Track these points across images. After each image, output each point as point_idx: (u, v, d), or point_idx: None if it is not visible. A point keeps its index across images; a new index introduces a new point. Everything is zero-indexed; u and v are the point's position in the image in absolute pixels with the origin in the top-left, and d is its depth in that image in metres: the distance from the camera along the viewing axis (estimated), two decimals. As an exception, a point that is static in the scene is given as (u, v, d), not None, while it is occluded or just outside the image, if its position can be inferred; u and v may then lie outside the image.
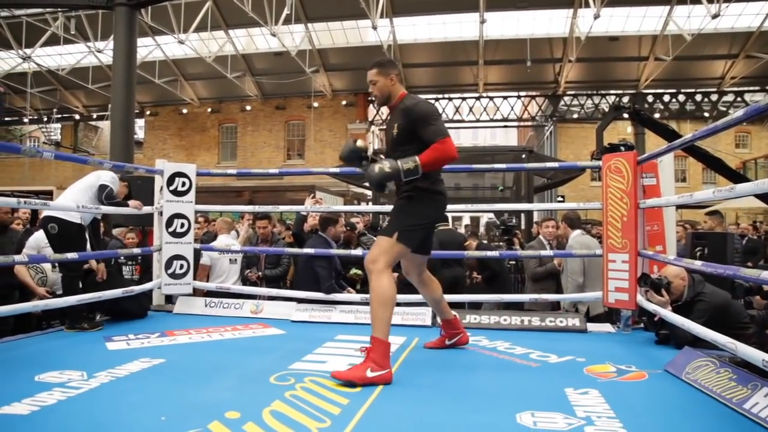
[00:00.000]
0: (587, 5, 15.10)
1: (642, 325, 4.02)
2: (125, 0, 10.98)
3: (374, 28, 16.03)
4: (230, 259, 5.49)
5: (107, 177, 4.29)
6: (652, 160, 4.07)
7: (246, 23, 17.36)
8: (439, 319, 3.56)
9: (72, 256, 3.76)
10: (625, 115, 13.14)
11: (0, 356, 3.14)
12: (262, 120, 22.78)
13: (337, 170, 5.56)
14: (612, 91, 21.35)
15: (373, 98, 3.13)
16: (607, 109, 19.41)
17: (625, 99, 20.50)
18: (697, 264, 3.01)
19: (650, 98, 20.90)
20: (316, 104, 21.36)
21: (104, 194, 4.15)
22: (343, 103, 21.76)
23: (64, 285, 4.08)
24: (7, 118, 23.79)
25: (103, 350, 3.33)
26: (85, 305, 3.89)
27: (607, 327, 4.20)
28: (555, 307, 5.17)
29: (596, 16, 14.71)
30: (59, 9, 16.29)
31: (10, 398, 2.26)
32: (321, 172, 5.57)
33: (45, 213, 4.05)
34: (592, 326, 4.18)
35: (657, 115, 19.20)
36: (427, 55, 19.81)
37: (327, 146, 21.86)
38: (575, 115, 21.92)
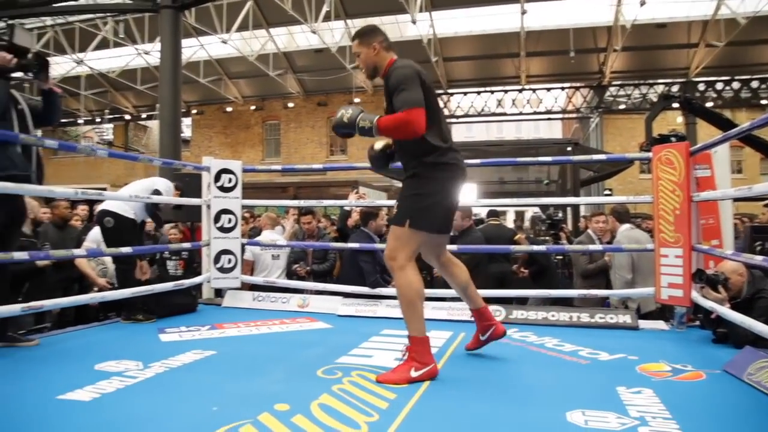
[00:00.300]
0: (634, -8, 14.64)
1: (698, 322, 3.88)
2: (170, 2, 11.23)
3: (413, 22, 15.97)
4: (273, 255, 5.59)
5: (162, 184, 4.43)
6: (706, 151, 3.91)
7: (286, 21, 17.55)
8: (469, 310, 3.20)
9: (126, 249, 3.89)
10: (675, 105, 12.70)
11: (62, 346, 3.29)
12: (305, 116, 23.03)
13: (380, 165, 5.56)
14: (660, 80, 20.64)
15: (364, 72, 2.90)
16: (655, 99, 18.83)
17: (675, 88, 19.78)
18: (758, 259, 2.88)
19: (702, 86, 20.12)
20: (357, 100, 21.43)
21: (152, 203, 4.29)
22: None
23: (119, 278, 4.23)
24: (62, 120, 24.77)
25: (156, 341, 3.43)
26: (140, 298, 4.02)
27: (660, 324, 4.07)
28: (604, 303, 5.06)
29: (642, 3, 14.25)
30: (109, 14, 16.82)
31: (73, 385, 2.37)
32: (364, 167, 5.60)
33: (101, 208, 4.21)
34: (644, 323, 4.06)
35: (710, 104, 18.48)
36: (468, 48, 19.62)
37: (370, 141, 21.94)
38: (622, 106, 21.30)
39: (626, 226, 5.04)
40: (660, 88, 20.29)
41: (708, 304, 3.44)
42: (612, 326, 3.98)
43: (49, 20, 17.97)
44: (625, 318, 4.05)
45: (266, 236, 5.66)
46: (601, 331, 3.87)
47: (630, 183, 20.01)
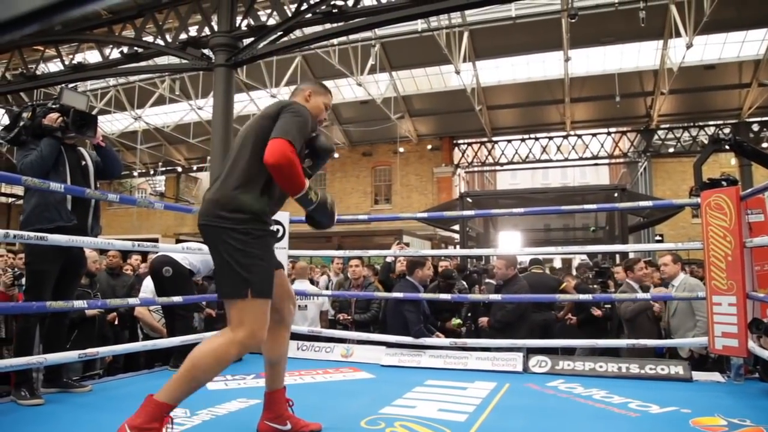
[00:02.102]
0: (678, 35, 14.55)
1: (756, 374, 3.72)
2: (223, 61, 11.87)
3: (457, 72, 16.29)
4: (299, 306, 5.67)
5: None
6: (758, 195, 3.84)
7: (333, 75, 18.17)
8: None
9: (177, 299, 4.05)
10: (727, 147, 12.43)
11: (114, 392, 3.42)
12: (350, 166, 23.48)
13: (424, 215, 5.67)
14: (711, 122, 20.15)
15: (321, 124, 2.73)
16: (706, 141, 18.39)
17: (727, 129, 19.29)
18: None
19: (756, 127, 19.56)
20: (401, 149, 21.77)
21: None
22: (429, 147, 22.04)
23: (173, 327, 4.37)
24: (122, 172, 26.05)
25: (203, 389, 3.50)
26: (189, 346, 4.13)
27: (715, 376, 3.92)
28: (655, 353, 4.90)
29: (689, 46, 14.14)
30: (167, 74, 17.86)
31: (124, 433, 2.45)
32: (408, 217, 5.70)
33: (160, 255, 4.41)
34: (698, 375, 3.92)
35: (766, 145, 17.94)
36: (512, 96, 19.80)
37: (413, 191, 22.13)
38: (671, 149, 20.86)
39: (684, 275, 4.92)
40: (711, 130, 19.83)
41: (767, 354, 3.31)
42: (663, 377, 3.86)
43: (112, 80, 19.20)
44: (678, 369, 3.92)
45: (297, 286, 5.76)
46: (651, 383, 3.76)
47: (682, 228, 19.38)
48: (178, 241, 15.66)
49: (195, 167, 26.84)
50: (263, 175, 2.32)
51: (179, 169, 27.08)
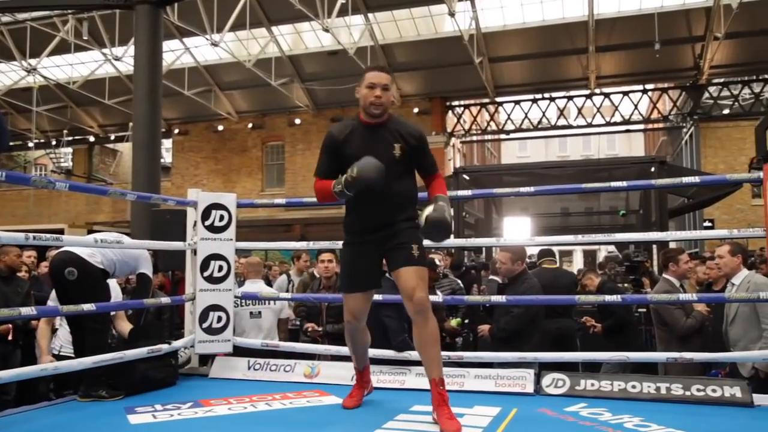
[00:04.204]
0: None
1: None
2: (148, -3, 11.65)
3: (451, 14, 16.20)
4: (251, 313, 5.65)
5: (148, 264, 4.62)
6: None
7: (292, 18, 17.97)
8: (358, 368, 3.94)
9: (89, 307, 3.96)
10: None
11: (1, 434, 3.35)
12: (315, 136, 23.29)
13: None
14: (780, 75, 20.31)
15: (378, 105, 3.49)
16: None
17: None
18: None
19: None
20: (380, 113, 21.72)
21: (142, 291, 4.51)
22: (415, 110, 21.94)
23: (83, 344, 4.28)
24: (10, 143, 25.44)
25: (124, 425, 3.47)
26: (103, 369, 4.07)
27: (784, 399, 3.98)
28: (707, 372, 4.97)
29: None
30: (70, 10, 17.38)
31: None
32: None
33: (60, 252, 4.30)
34: (761, 399, 3.96)
35: None
36: (521, 45, 19.80)
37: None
38: (726, 111, 21.06)
39: (749, 272, 4.94)
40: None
41: None
42: (715, 401, 3.89)
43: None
44: (734, 390, 3.95)
45: (249, 287, 5.72)
46: (699, 408, 3.80)
47: (740, 211, 19.70)
48: (90, 233, 15.43)
49: (113, 136, 26.46)
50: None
51: (91, 139, 26.65)
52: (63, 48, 19.12)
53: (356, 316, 3.67)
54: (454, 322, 5.40)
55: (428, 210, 3.38)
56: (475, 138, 25.38)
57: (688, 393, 3.98)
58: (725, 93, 20.85)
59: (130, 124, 14.55)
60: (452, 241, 6.35)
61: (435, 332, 3.43)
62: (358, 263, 3.63)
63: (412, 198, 3.62)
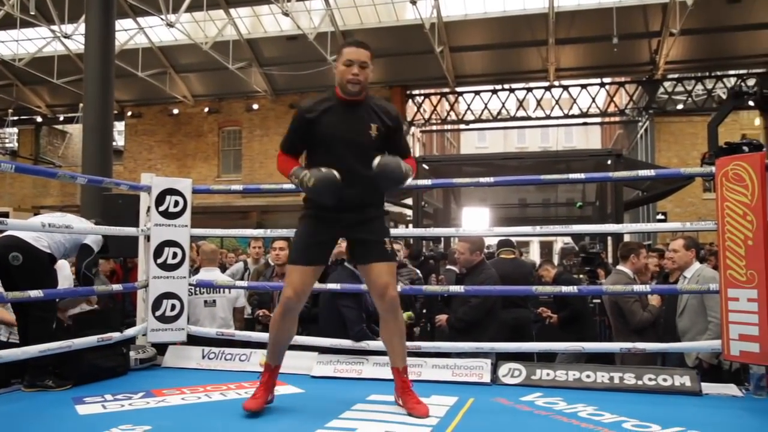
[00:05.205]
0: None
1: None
2: (101, -28, 11.37)
3: (413, 2, 16.21)
4: (206, 302, 5.59)
5: (92, 237, 4.51)
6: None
7: (251, 0, 17.76)
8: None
9: (35, 293, 3.86)
10: (751, 103, 12.76)
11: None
12: (273, 122, 23.15)
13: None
14: (731, 72, 20.77)
15: (355, 83, 3.38)
16: (724, 96, 18.96)
17: (751, 81, 19.79)
18: None
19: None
20: (339, 100, 21.63)
21: (86, 261, 4.41)
22: (375, 97, 21.95)
23: (27, 332, 4.17)
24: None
25: (72, 415, 3.40)
26: (50, 358, 3.97)
27: (730, 389, 4.07)
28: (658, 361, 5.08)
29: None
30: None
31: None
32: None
33: (2, 239, 4.16)
34: (709, 387, 4.07)
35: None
36: (482, 35, 19.91)
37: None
38: (680, 106, 21.48)
39: (700, 265, 5.05)
40: (732, 82, 20.32)
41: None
42: (666, 390, 3.99)
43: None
44: (684, 380, 4.05)
45: (204, 276, 5.64)
46: (651, 397, 3.88)
47: (691, 204, 20.18)
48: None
49: (62, 117, 25.87)
50: None
51: (39, 119, 26.03)
52: (8, 23, 18.57)
53: (299, 294, 3.44)
54: (405, 316, 5.39)
55: (380, 157, 3.30)
56: (434, 127, 25.48)
57: (640, 382, 4.07)
58: (679, 88, 21.27)
59: (81, 104, 14.19)
60: (411, 231, 6.37)
61: (403, 326, 3.52)
62: (317, 235, 3.48)
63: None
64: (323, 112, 3.43)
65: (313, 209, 3.48)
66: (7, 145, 26.32)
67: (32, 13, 17.52)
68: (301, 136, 3.51)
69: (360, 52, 3.42)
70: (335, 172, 3.23)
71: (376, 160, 3.26)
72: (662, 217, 19.15)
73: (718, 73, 20.83)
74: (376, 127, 3.41)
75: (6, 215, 21.41)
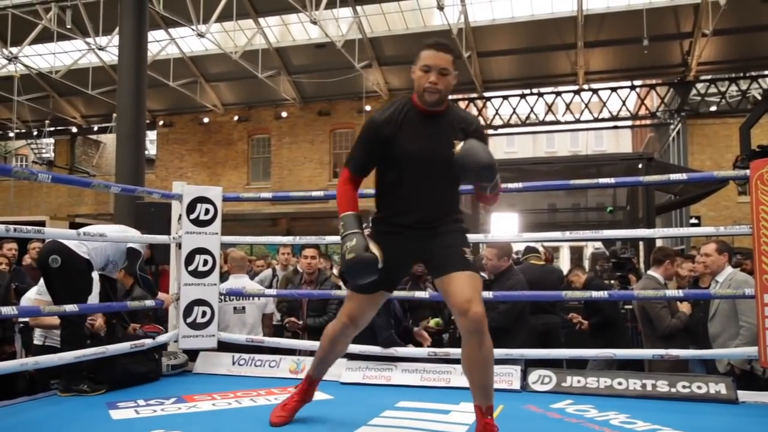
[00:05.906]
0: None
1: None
2: (133, -15, 11.56)
3: (440, 8, 16.18)
4: (235, 308, 5.63)
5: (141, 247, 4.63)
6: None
7: (280, 9, 17.87)
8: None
9: (71, 308, 3.93)
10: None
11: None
12: (302, 129, 23.26)
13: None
14: (766, 72, 20.37)
15: (434, 92, 2.96)
16: (759, 98, 18.64)
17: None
18: None
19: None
20: (368, 107, 21.61)
21: (138, 263, 4.53)
22: (403, 104, 21.96)
23: (63, 337, 4.26)
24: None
25: (105, 420, 3.45)
26: (85, 363, 4.04)
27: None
28: (685, 367, 5.01)
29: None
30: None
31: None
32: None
33: (46, 245, 4.27)
34: (745, 395, 4.00)
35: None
36: (509, 40, 19.81)
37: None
38: (713, 108, 21.09)
39: (733, 269, 4.98)
40: (766, 83, 19.96)
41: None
42: (701, 398, 3.93)
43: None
44: (719, 387, 3.99)
45: (233, 282, 5.69)
46: (685, 405, 3.83)
47: (726, 208, 19.80)
48: (72, 226, 15.32)
49: (96, 127, 26.23)
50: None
51: (74, 130, 26.43)
52: (45, 36, 18.87)
53: (356, 320, 3.14)
54: (433, 322, 5.37)
55: (464, 141, 2.91)
56: (462, 133, 25.37)
57: (673, 390, 4.01)
58: (712, 90, 20.86)
59: (114, 115, 14.42)
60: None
61: (490, 354, 2.87)
62: (389, 257, 2.92)
63: (455, 199, 3.19)
64: (400, 126, 2.99)
65: (385, 225, 3.12)
66: (44, 155, 26.77)
67: (68, 26, 17.95)
68: (377, 154, 3.04)
69: (440, 56, 2.94)
70: (379, 259, 2.83)
71: (459, 145, 2.86)
72: (696, 221, 18.86)
73: (753, 74, 20.38)
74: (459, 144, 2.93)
75: (43, 224, 21.86)
